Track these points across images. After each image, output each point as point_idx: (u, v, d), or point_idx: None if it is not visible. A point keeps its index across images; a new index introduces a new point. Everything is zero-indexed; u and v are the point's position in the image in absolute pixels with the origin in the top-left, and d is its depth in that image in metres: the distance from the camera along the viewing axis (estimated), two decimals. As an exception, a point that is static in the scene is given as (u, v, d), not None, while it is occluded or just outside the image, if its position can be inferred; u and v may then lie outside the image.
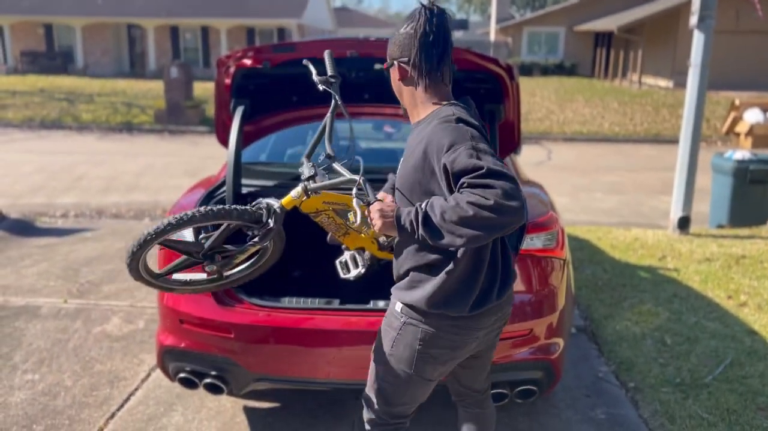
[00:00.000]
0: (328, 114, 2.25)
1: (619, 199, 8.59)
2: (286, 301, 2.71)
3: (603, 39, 27.37)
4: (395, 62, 1.87)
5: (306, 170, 2.14)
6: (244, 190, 3.17)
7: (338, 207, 2.17)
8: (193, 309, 2.67)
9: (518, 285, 2.57)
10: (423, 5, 1.79)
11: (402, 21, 1.87)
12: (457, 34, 37.73)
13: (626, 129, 15.12)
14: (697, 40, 6.15)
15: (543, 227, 2.74)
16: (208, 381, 2.72)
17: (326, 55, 2.27)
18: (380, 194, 2.03)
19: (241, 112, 3.14)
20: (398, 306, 1.92)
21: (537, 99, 18.89)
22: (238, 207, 2.11)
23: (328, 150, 2.18)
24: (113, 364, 3.63)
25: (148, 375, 3.51)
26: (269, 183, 3.23)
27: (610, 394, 3.33)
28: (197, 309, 2.66)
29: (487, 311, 1.90)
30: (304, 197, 2.10)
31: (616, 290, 4.73)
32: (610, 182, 9.73)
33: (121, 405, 3.20)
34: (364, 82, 3.27)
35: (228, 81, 3.14)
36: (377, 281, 2.68)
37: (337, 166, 2.14)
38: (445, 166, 1.66)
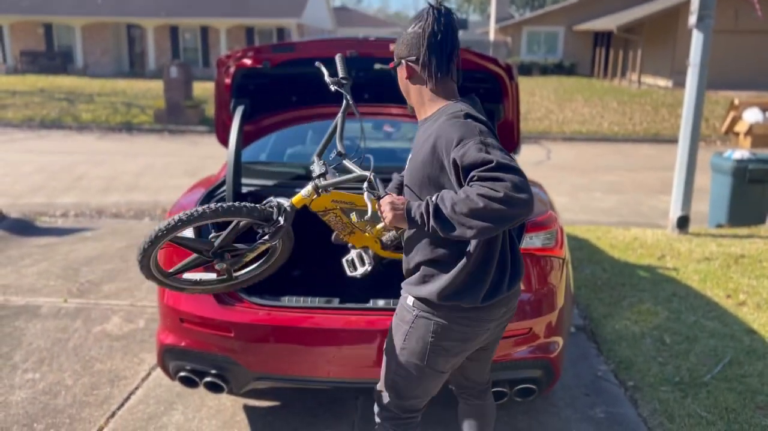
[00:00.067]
0: (340, 114, 2.29)
1: (619, 198, 8.61)
2: (286, 300, 2.71)
3: (602, 38, 27.39)
4: (403, 61, 1.91)
5: (317, 168, 2.18)
6: (244, 189, 3.18)
7: (346, 206, 2.20)
8: (194, 308, 2.68)
9: (517, 284, 2.58)
10: (431, 5, 1.84)
11: (408, 21, 1.92)
12: (457, 34, 37.64)
13: (625, 129, 15.13)
14: (696, 39, 6.16)
15: (542, 226, 2.75)
16: (208, 379, 2.72)
17: (338, 58, 2.32)
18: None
19: (241, 111, 3.15)
20: (410, 300, 1.95)
21: (536, 99, 18.90)
22: (248, 205, 2.13)
23: (339, 148, 2.22)
24: (113, 363, 3.64)
25: (149, 374, 3.52)
26: (269, 182, 3.24)
27: (609, 393, 3.34)
28: (197, 308, 2.66)
29: (498, 303, 1.94)
30: (315, 196, 2.13)
31: (615, 290, 4.74)
32: (609, 182, 9.74)
33: (122, 404, 3.21)
34: (364, 82, 3.28)
35: (228, 81, 3.15)
36: (377, 281, 2.69)
37: (347, 163, 2.17)
38: (454, 160, 1.70)
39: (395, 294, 2.73)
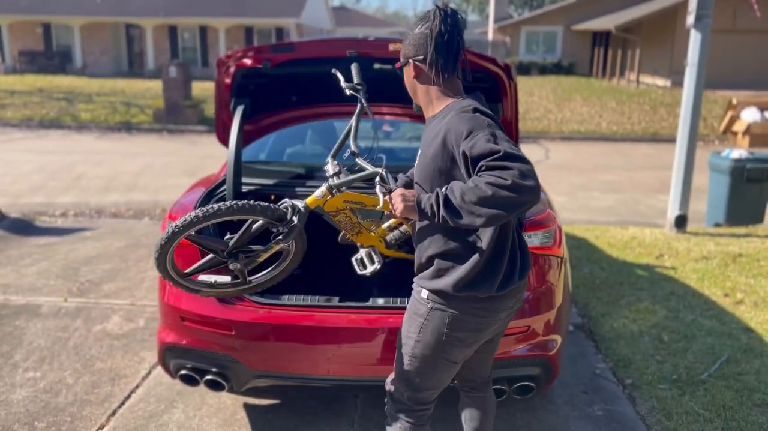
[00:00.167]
0: (354, 116, 2.37)
1: (617, 198, 8.63)
2: (286, 298, 2.73)
3: (601, 38, 27.43)
4: (410, 61, 1.96)
5: (331, 168, 2.25)
6: (244, 189, 3.19)
7: (356, 206, 2.27)
8: (194, 307, 2.69)
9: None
10: (437, 6, 1.90)
11: (413, 21, 1.98)
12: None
13: (624, 128, 15.16)
14: (694, 39, 6.18)
15: (541, 224, 2.76)
16: (209, 377, 2.74)
17: (354, 67, 2.40)
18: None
19: (241, 111, 3.16)
20: (424, 293, 1.99)
21: (535, 98, 18.93)
22: (262, 204, 2.18)
23: (353, 148, 2.29)
24: (114, 362, 3.65)
25: (149, 372, 3.53)
26: (269, 182, 3.26)
27: (607, 391, 3.35)
28: (198, 307, 2.67)
29: (510, 293, 1.99)
30: (328, 197, 2.20)
31: (613, 288, 4.76)
32: (607, 181, 9.76)
33: (122, 403, 3.22)
34: (364, 82, 3.29)
35: (228, 81, 3.16)
36: (376, 279, 2.71)
37: (360, 161, 2.24)
38: (464, 152, 1.75)
39: (395, 293, 2.76)
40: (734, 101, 13.91)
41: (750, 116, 13.39)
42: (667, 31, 21.98)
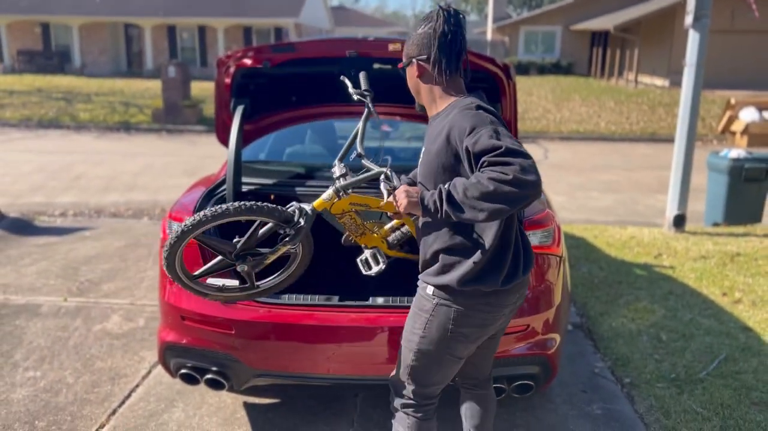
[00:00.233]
0: (361, 121, 2.42)
1: (616, 197, 8.64)
2: (286, 298, 2.74)
3: (599, 38, 27.45)
4: (414, 60, 2.00)
5: (337, 170, 2.30)
6: (244, 188, 3.20)
7: (361, 208, 2.32)
8: (195, 306, 2.70)
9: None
10: (440, 7, 1.93)
11: (418, 22, 2.00)
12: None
13: (622, 128, 15.18)
14: (693, 39, 6.20)
15: (539, 224, 2.78)
16: (209, 376, 2.75)
17: (362, 76, 2.46)
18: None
19: (241, 111, 3.17)
20: (429, 289, 2.02)
21: (534, 98, 18.95)
22: (270, 205, 2.22)
23: (359, 150, 2.34)
24: (114, 361, 3.66)
25: (149, 372, 3.54)
26: (269, 181, 3.27)
27: (606, 389, 3.37)
28: (198, 306, 2.68)
29: (514, 288, 2.02)
30: (335, 199, 2.24)
31: (612, 288, 4.77)
32: (606, 181, 9.78)
33: (123, 402, 3.23)
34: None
35: (228, 81, 3.17)
36: (375, 279, 2.72)
37: (366, 162, 2.29)
38: (467, 148, 1.78)
39: (394, 292, 2.77)
40: (732, 101, 13.93)
41: (748, 115, 13.42)
42: (666, 31, 22.01)
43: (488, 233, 1.92)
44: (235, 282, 2.50)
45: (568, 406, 3.20)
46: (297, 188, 3.20)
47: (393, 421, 2.21)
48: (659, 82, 22.46)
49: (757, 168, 6.48)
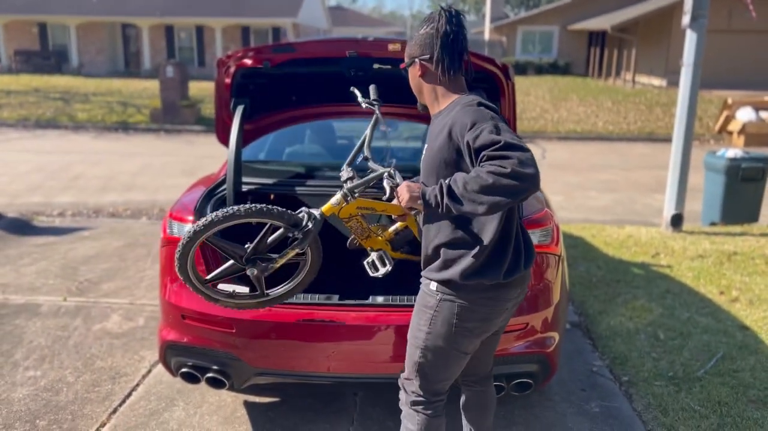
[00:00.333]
0: (369, 128, 2.50)
1: (613, 197, 8.67)
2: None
3: (597, 38, 27.49)
4: (416, 60, 2.04)
5: (345, 174, 2.38)
6: (244, 188, 3.21)
7: (367, 212, 2.39)
8: (195, 305, 2.72)
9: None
10: (442, 7, 1.98)
11: (420, 23, 2.05)
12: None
13: (620, 128, 15.21)
14: (690, 39, 6.22)
15: (538, 223, 2.80)
16: (209, 375, 2.76)
17: (372, 88, 2.54)
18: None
19: (241, 111, 3.18)
20: (432, 285, 2.05)
21: (531, 98, 18.97)
22: (279, 209, 2.28)
23: (366, 153, 2.42)
24: (114, 361, 3.67)
25: (149, 371, 3.55)
26: (268, 181, 3.28)
27: (604, 388, 3.39)
28: (199, 305, 2.70)
29: (515, 282, 2.05)
30: (343, 203, 2.30)
31: (610, 287, 4.79)
32: (604, 181, 9.80)
33: (123, 401, 3.24)
34: (363, 82, 3.32)
35: (228, 81, 3.18)
36: (376, 279, 2.73)
37: (371, 164, 2.37)
38: (468, 142, 1.82)
39: (394, 291, 2.79)
40: (729, 101, 13.97)
41: (745, 115, 13.46)
42: (663, 31, 22.05)
43: (489, 227, 1.96)
44: (246, 289, 2.54)
45: (566, 404, 3.22)
46: (297, 188, 3.22)
47: (402, 418, 2.22)
48: (656, 82, 22.50)
49: (754, 168, 6.50)
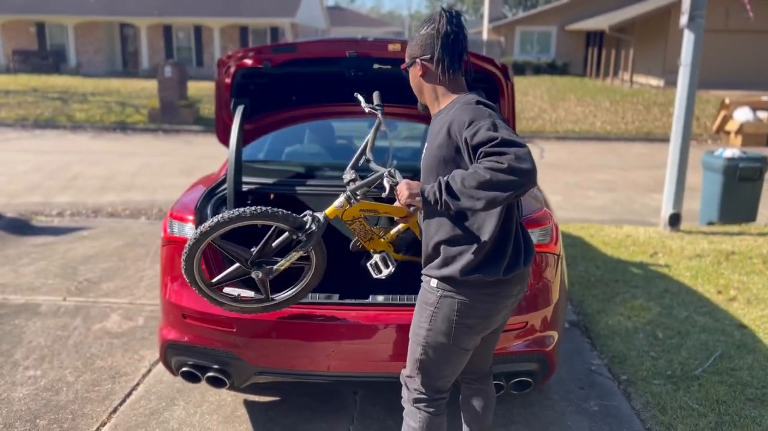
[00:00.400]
0: (372, 131, 2.53)
1: (611, 197, 8.69)
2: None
3: (594, 38, 27.52)
4: (417, 60, 2.06)
5: (348, 176, 2.41)
6: (244, 187, 3.22)
7: (370, 214, 2.44)
8: (196, 304, 2.72)
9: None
10: (442, 8, 2.01)
11: (421, 23, 2.08)
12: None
13: (618, 128, 15.24)
14: (688, 39, 6.24)
15: (537, 222, 2.81)
16: (210, 374, 2.77)
17: (375, 95, 2.58)
18: None
19: (241, 111, 3.19)
20: (433, 282, 2.07)
21: (529, 98, 18.99)
22: (284, 211, 2.33)
23: (368, 155, 2.47)
24: (114, 360, 3.67)
25: (149, 370, 3.55)
26: (269, 181, 3.29)
27: (602, 386, 3.40)
28: (200, 304, 2.70)
29: (515, 278, 2.07)
30: (347, 206, 2.35)
31: (608, 286, 4.81)
32: (602, 180, 9.82)
33: (123, 400, 3.25)
34: (363, 81, 3.33)
35: (228, 80, 3.19)
36: (375, 278, 2.74)
37: (373, 165, 2.41)
38: (466, 139, 1.85)
39: (394, 290, 2.80)
40: (727, 101, 14.00)
41: (742, 115, 13.49)
42: (661, 31, 22.09)
43: (488, 224, 1.98)
44: (251, 293, 2.57)
45: (565, 403, 3.23)
46: (297, 188, 3.23)
47: (404, 415, 2.23)
48: (654, 82, 22.54)
49: (751, 167, 6.53)
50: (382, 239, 2.54)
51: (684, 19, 6.20)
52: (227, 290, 2.55)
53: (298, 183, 3.25)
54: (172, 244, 2.88)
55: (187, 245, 2.29)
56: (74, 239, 6.10)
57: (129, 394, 3.31)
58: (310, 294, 2.80)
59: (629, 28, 23.71)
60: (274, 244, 2.40)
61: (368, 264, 2.53)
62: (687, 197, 6.75)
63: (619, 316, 4.26)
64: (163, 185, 8.88)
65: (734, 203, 6.69)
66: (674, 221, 6.53)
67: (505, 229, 2.03)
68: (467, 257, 1.99)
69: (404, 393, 2.24)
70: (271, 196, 3.40)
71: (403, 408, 2.25)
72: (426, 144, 2.10)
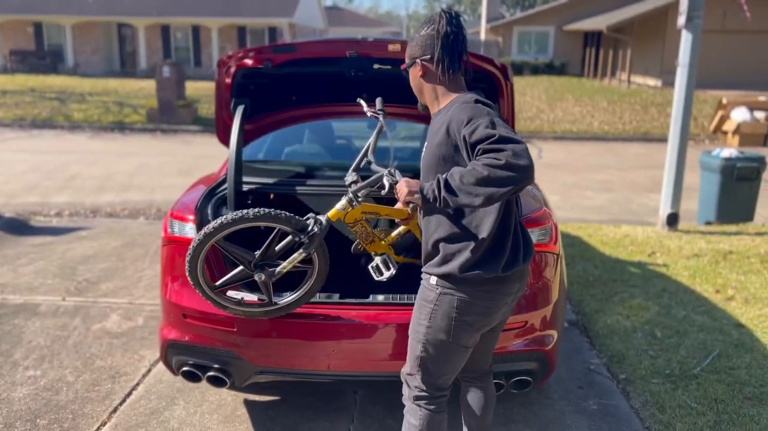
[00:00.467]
0: (373, 136, 2.56)
1: (609, 197, 8.71)
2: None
3: (592, 38, 27.57)
4: (417, 60, 2.09)
5: (349, 178, 2.45)
6: (245, 187, 3.23)
7: (371, 216, 2.47)
8: (196, 304, 2.73)
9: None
10: (442, 9, 2.04)
11: (421, 23, 2.11)
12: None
13: (615, 128, 15.27)
14: (685, 40, 6.26)
15: (537, 222, 2.82)
16: (211, 374, 2.77)
17: (378, 101, 2.61)
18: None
19: (241, 111, 3.20)
20: (433, 280, 2.09)
21: (527, 98, 19.02)
22: (287, 213, 2.35)
23: (370, 157, 2.50)
24: (114, 360, 3.68)
25: (149, 370, 3.56)
26: (269, 181, 3.29)
27: (601, 385, 3.41)
28: (200, 304, 2.71)
29: (514, 276, 2.09)
30: (349, 209, 2.37)
31: (606, 286, 4.82)
32: (600, 180, 9.84)
33: (124, 400, 3.25)
34: (363, 82, 3.34)
35: (228, 81, 3.20)
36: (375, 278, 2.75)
37: (374, 166, 2.44)
38: (464, 137, 1.87)
39: (394, 290, 2.81)
40: (724, 101, 14.04)
41: (740, 115, 13.52)
42: (658, 32, 22.14)
43: (487, 222, 2.00)
44: (254, 297, 2.59)
45: (564, 402, 3.24)
46: (297, 188, 3.23)
47: (404, 413, 2.25)
48: (652, 82, 22.59)
49: (748, 167, 6.55)
50: (383, 242, 2.57)
51: (682, 20, 6.22)
52: (231, 293, 2.57)
53: (299, 183, 3.26)
54: (173, 244, 2.88)
55: (191, 246, 2.31)
56: (73, 239, 6.10)
57: (129, 394, 3.31)
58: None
59: (627, 28, 23.76)
60: (277, 248, 2.42)
61: (369, 267, 2.56)
62: (685, 197, 6.77)
63: (617, 315, 4.27)
64: (162, 185, 8.87)
65: (732, 202, 6.71)
66: (672, 220, 6.55)
67: (504, 226, 2.05)
68: (466, 254, 2.01)
69: (405, 390, 2.26)
70: (271, 196, 3.40)
71: (403, 406, 2.27)
72: (426, 143, 2.12)
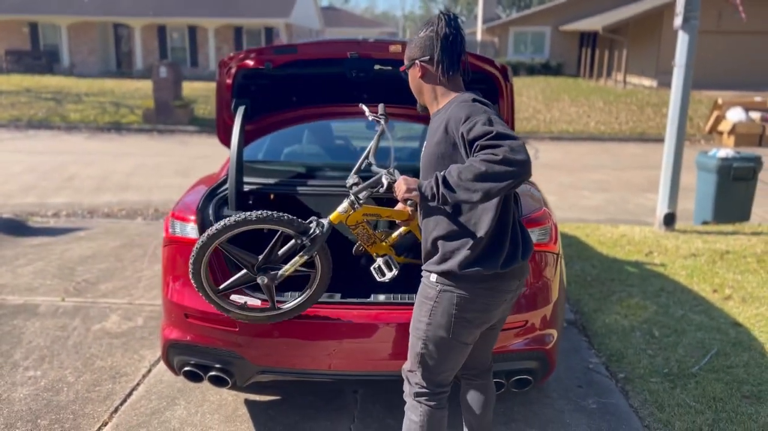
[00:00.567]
0: (375, 138, 2.60)
1: (606, 197, 8.74)
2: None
3: (588, 39, 27.64)
4: (417, 62, 2.12)
5: (351, 180, 2.48)
6: (246, 188, 3.23)
7: (372, 218, 2.49)
8: (198, 304, 2.73)
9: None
10: (441, 11, 2.07)
11: (420, 25, 2.14)
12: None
13: (612, 128, 15.32)
14: (682, 40, 6.29)
15: (537, 222, 2.84)
16: (212, 373, 2.78)
17: (380, 107, 2.63)
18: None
19: (242, 111, 3.21)
20: (433, 277, 2.11)
21: (524, 99, 19.06)
22: (289, 215, 2.37)
23: (371, 159, 2.53)
24: (114, 360, 3.68)
25: (150, 370, 3.56)
26: (269, 181, 3.30)
27: (600, 384, 3.43)
28: (202, 304, 2.71)
29: (513, 272, 2.11)
30: (351, 211, 2.40)
31: (604, 285, 4.85)
32: (596, 180, 9.88)
33: (124, 400, 3.25)
34: (364, 83, 3.35)
35: (229, 81, 3.20)
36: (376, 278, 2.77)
37: (374, 168, 2.48)
38: (462, 134, 1.91)
39: (395, 290, 2.82)
40: (720, 101, 14.10)
41: (735, 115, 13.59)
42: (654, 32, 22.21)
43: (485, 219, 2.03)
44: (257, 302, 2.61)
45: (564, 401, 3.26)
46: (298, 188, 3.24)
47: (405, 409, 2.26)
48: (647, 82, 22.66)
49: (745, 167, 6.59)
50: (384, 243, 2.59)
51: (678, 21, 6.25)
52: (234, 297, 2.59)
53: (299, 183, 3.27)
54: (174, 244, 2.89)
55: (194, 248, 2.32)
56: (71, 240, 6.09)
57: (130, 394, 3.31)
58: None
59: (623, 28, 23.83)
60: (280, 251, 2.43)
61: (372, 268, 2.59)
62: (681, 196, 6.80)
63: (615, 315, 4.29)
64: (159, 185, 8.87)
65: (728, 202, 6.74)
66: (669, 220, 6.58)
67: (502, 223, 2.08)
68: (465, 251, 2.03)
69: (406, 387, 2.28)
70: (272, 196, 3.41)
71: (403, 405, 2.28)
72: (425, 142, 2.15)
